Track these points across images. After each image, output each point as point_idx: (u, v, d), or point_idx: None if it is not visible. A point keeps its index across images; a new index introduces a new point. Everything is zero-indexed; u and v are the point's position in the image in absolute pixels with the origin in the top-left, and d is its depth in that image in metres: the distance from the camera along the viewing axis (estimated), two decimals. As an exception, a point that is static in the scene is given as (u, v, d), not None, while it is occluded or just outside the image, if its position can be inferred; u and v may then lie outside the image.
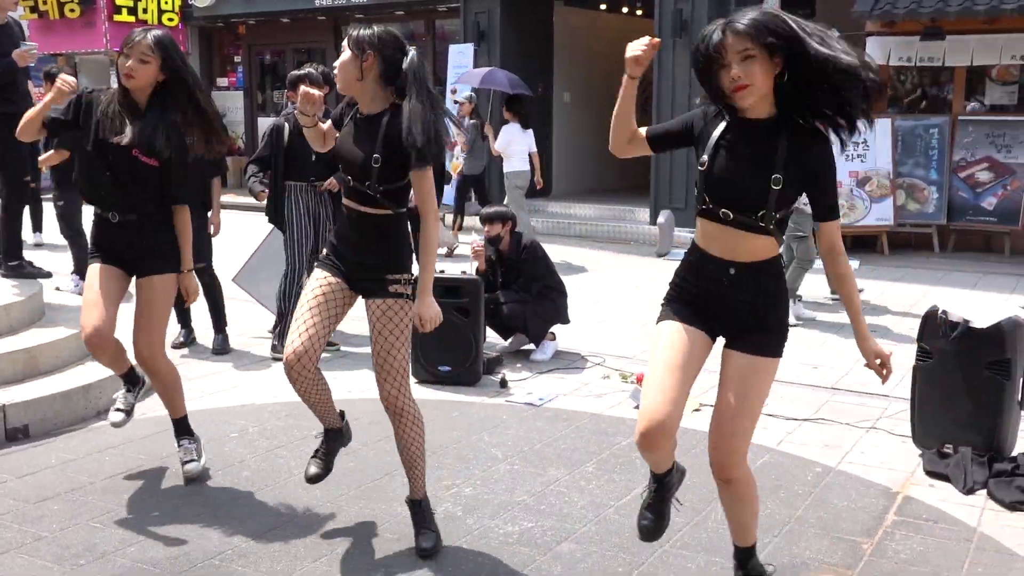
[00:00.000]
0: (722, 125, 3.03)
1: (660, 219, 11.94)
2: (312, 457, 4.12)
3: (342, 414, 4.15)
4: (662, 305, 3.23)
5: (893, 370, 3.13)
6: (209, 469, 4.66)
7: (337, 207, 6.80)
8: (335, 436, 4.14)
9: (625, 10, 16.72)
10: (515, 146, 10.96)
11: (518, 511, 4.23)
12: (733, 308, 3.08)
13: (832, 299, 8.65)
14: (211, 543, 3.91)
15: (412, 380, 6.14)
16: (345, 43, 3.63)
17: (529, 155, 11.07)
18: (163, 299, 4.42)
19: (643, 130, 3.21)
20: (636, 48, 3.02)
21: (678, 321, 3.12)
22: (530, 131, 11.16)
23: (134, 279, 4.44)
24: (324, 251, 3.91)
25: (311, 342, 3.75)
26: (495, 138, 11.32)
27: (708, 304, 3.12)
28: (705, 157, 3.01)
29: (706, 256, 3.10)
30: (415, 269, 3.77)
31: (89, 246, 4.46)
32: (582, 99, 15.81)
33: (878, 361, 3.08)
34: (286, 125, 6.70)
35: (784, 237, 3.07)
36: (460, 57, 14.05)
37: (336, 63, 3.65)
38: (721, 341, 3.19)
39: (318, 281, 3.80)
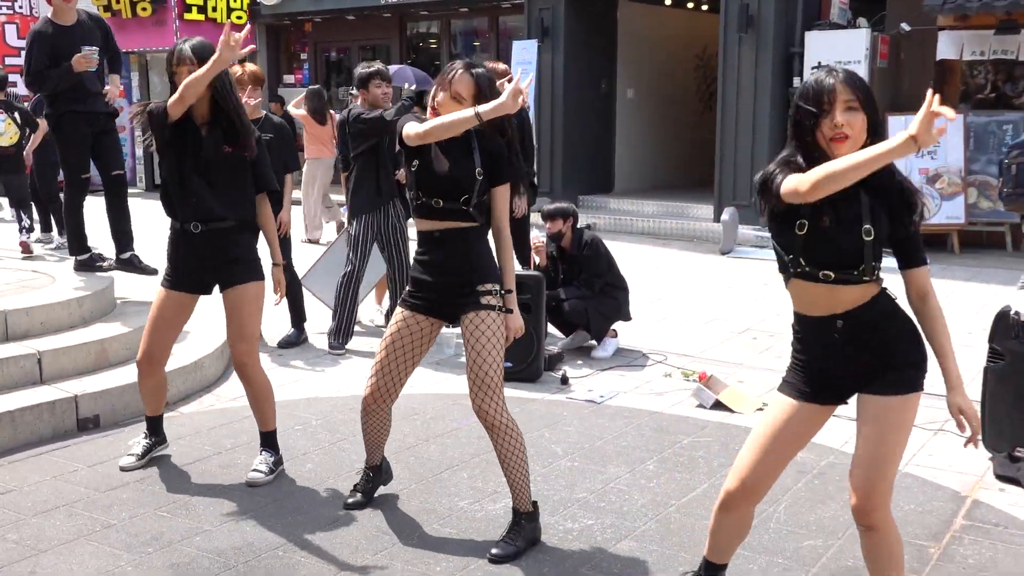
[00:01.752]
0: None
1: (724, 216, 11.83)
2: (352, 490, 4.28)
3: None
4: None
5: (977, 432, 2.98)
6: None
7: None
8: (376, 473, 4.29)
9: (690, 5, 16.57)
10: None
11: (578, 508, 4.23)
12: (854, 359, 2.96)
13: None
14: (274, 534, 3.96)
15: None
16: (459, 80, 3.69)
17: None
18: (255, 307, 4.51)
19: None
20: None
21: (785, 395, 3.08)
22: None
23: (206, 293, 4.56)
24: (407, 288, 3.98)
25: (386, 382, 3.94)
26: None
27: (824, 369, 3.01)
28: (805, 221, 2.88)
29: (809, 320, 3.00)
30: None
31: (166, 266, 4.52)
32: (645, 96, 15.71)
33: (961, 417, 2.93)
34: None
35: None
36: (524, 53, 14.05)
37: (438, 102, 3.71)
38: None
39: (395, 321, 3.93)
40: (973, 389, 5.31)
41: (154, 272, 6.70)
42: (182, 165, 4.26)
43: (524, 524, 3.85)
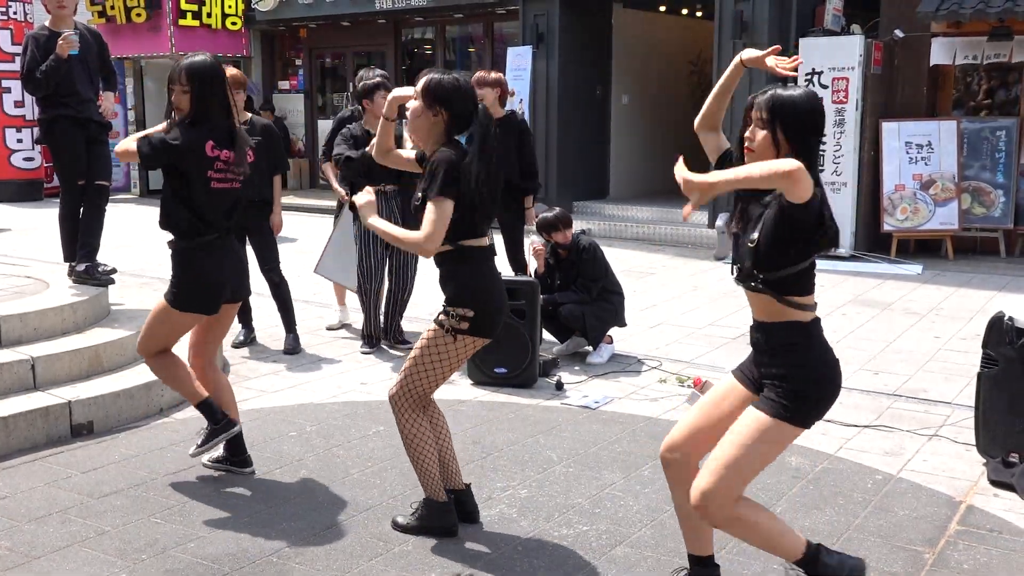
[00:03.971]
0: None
1: (718, 222, 11.84)
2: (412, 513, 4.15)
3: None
4: None
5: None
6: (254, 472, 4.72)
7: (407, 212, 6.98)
8: (462, 497, 4.18)
9: (685, 12, 16.62)
10: None
11: (573, 514, 4.22)
12: (759, 367, 3.20)
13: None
14: (269, 541, 3.95)
15: (467, 381, 6.19)
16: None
17: None
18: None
19: (725, 143, 3.39)
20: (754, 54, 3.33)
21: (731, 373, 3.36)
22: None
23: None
24: None
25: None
26: None
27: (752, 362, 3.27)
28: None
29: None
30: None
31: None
32: (640, 102, 15.73)
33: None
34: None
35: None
36: (519, 59, 14.07)
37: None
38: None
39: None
40: (967, 394, 5.33)
41: (110, 281, 6.64)
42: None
43: (422, 508, 4.01)
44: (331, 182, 7.70)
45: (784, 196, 2.89)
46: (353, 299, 7.71)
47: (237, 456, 4.68)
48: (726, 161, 3.30)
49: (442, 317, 3.81)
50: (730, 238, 3.21)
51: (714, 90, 3.40)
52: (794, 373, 3.07)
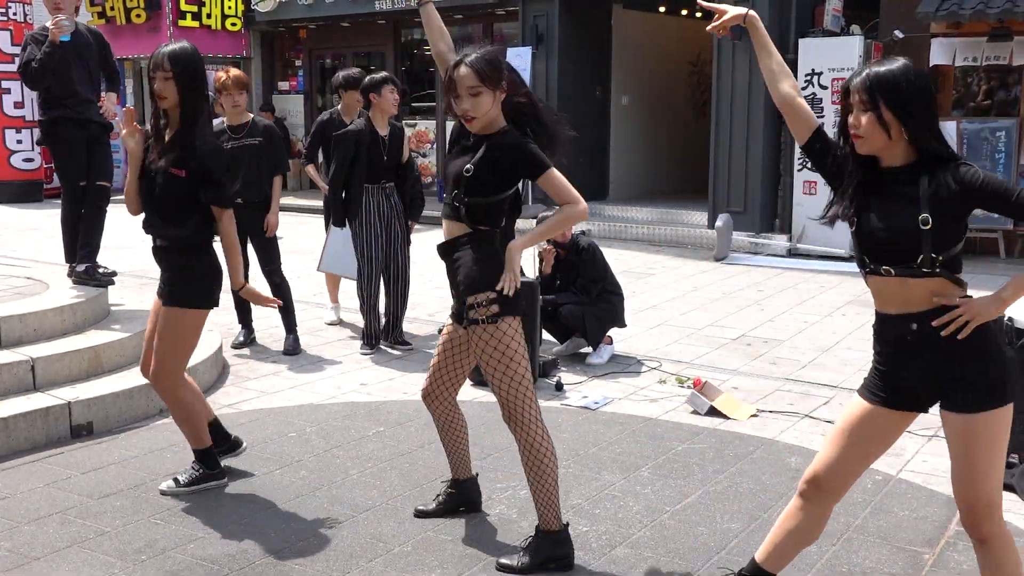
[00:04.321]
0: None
1: (718, 223, 11.84)
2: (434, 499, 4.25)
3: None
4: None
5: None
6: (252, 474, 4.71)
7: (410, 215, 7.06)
8: (460, 488, 4.21)
9: (684, 12, 16.61)
10: None
11: (572, 515, 4.22)
12: (926, 367, 2.90)
13: None
14: (268, 541, 3.95)
15: (468, 382, 6.18)
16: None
17: None
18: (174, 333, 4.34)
19: (814, 118, 3.12)
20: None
21: (861, 396, 3.05)
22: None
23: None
24: None
25: (433, 381, 4.07)
26: None
27: (898, 371, 2.95)
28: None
29: (884, 317, 2.96)
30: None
31: None
32: (640, 102, 15.73)
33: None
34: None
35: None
36: (518, 60, 14.05)
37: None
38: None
39: (445, 328, 4.03)
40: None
41: (110, 282, 6.63)
42: None
43: (539, 541, 3.74)
44: (317, 183, 7.91)
45: (961, 170, 2.77)
46: (346, 299, 7.74)
47: (223, 453, 4.64)
48: (817, 143, 3.08)
49: (473, 313, 3.64)
50: (842, 222, 2.98)
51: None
52: (992, 351, 2.85)
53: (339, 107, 7.70)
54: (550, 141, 3.71)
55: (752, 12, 3.32)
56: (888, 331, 2.94)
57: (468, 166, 3.61)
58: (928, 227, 2.76)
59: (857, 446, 3.03)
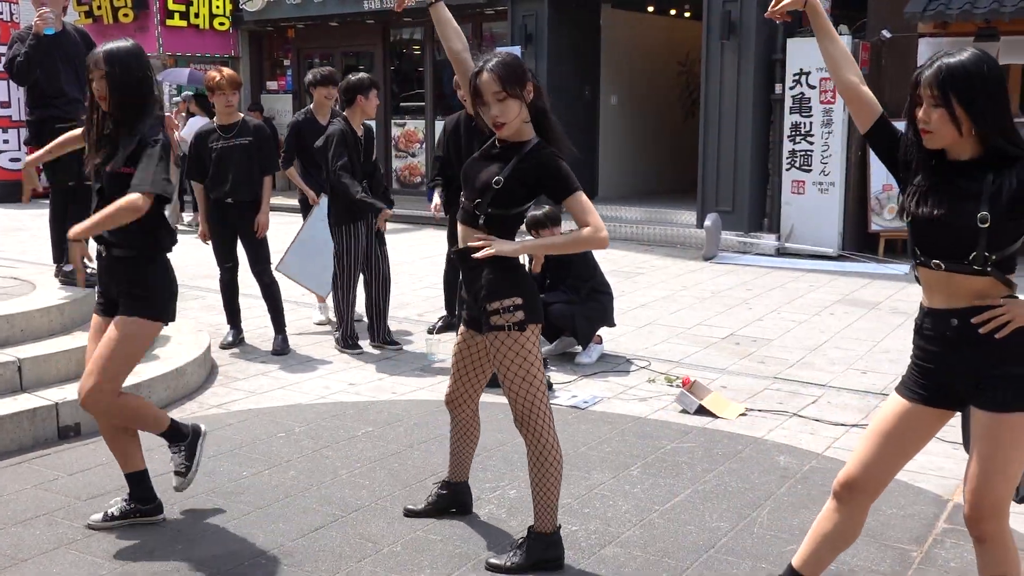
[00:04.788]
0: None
1: (707, 222, 11.86)
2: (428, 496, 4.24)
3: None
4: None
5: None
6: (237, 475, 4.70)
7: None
8: (451, 490, 4.20)
9: (673, 12, 16.64)
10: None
11: (562, 514, 4.21)
12: (964, 363, 2.85)
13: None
14: (257, 542, 3.94)
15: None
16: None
17: None
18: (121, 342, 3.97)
19: (876, 106, 3.06)
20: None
21: (898, 394, 3.01)
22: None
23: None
24: None
25: (454, 388, 4.01)
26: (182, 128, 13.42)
27: (937, 367, 2.91)
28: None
29: (928, 311, 2.93)
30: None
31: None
32: (629, 102, 15.75)
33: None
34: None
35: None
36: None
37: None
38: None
39: (459, 334, 3.98)
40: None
41: (96, 282, 6.56)
42: None
43: (531, 542, 3.74)
44: (298, 184, 7.98)
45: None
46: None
47: (147, 504, 4.17)
48: (881, 132, 3.03)
49: (496, 319, 3.61)
50: (905, 219, 2.91)
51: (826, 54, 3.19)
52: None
53: (311, 105, 7.89)
54: (559, 151, 3.70)
55: None
56: (930, 325, 2.91)
57: (498, 178, 3.57)
58: (986, 225, 2.71)
59: (895, 445, 2.98)
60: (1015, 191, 2.70)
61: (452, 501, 4.21)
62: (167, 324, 4.12)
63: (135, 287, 3.97)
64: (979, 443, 2.84)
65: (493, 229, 3.63)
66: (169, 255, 4.09)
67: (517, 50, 14.04)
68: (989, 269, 2.75)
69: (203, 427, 4.30)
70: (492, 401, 5.89)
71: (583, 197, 3.58)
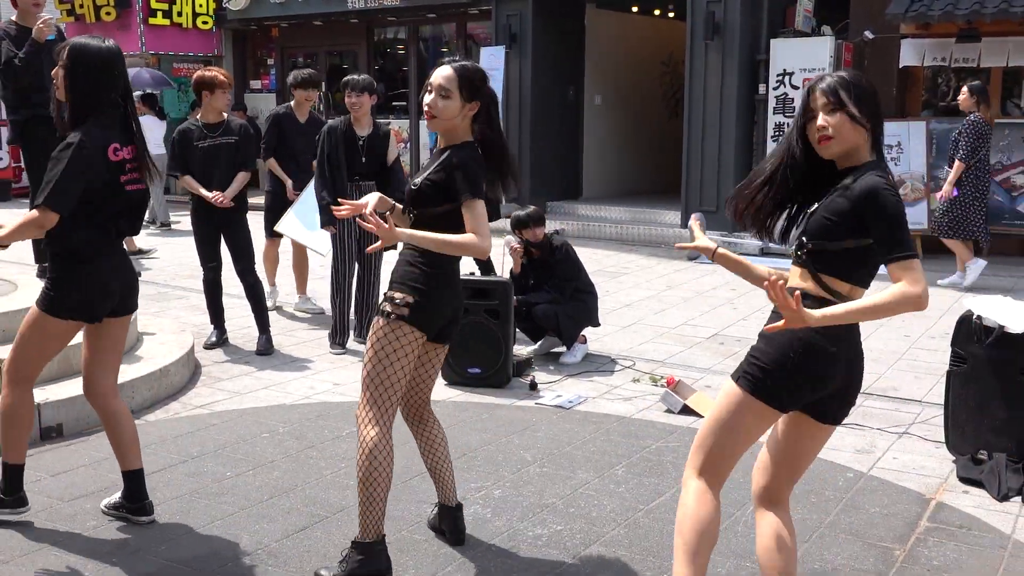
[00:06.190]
0: None
1: (691, 222, 11.88)
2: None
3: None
4: None
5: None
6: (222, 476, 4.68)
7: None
8: (445, 514, 3.97)
9: (657, 12, 16.67)
10: (149, 134, 11.54)
11: (547, 514, 4.23)
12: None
13: None
14: (241, 543, 3.93)
15: (441, 382, 6.18)
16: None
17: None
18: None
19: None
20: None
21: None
22: (163, 122, 13.93)
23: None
24: None
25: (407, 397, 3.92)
26: None
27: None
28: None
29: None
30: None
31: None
32: (613, 102, 15.77)
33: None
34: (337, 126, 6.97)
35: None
36: (492, 60, 14.06)
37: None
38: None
39: None
40: (937, 393, 5.37)
41: None
42: None
43: (352, 553, 3.57)
44: (278, 174, 8.12)
45: None
46: (320, 299, 7.72)
47: (135, 503, 4.12)
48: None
49: (385, 305, 3.58)
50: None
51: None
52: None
53: (292, 103, 8.11)
54: (501, 179, 3.70)
55: (721, 249, 3.51)
56: None
57: (416, 181, 3.60)
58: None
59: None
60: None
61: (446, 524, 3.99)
62: (65, 321, 3.89)
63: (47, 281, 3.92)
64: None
65: (426, 229, 3.54)
66: (88, 265, 3.85)
67: (502, 50, 14.07)
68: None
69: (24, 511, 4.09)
70: (476, 401, 5.90)
71: (480, 206, 3.51)
